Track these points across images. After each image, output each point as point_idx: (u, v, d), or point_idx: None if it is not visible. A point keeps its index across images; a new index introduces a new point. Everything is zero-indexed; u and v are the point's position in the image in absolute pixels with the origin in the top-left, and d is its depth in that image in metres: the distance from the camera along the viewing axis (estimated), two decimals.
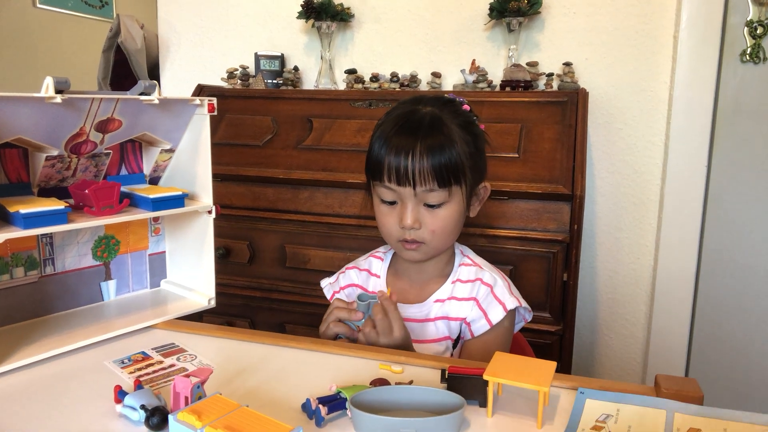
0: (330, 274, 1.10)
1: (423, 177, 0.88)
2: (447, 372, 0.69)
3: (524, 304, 0.97)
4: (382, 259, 1.05)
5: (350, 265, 1.08)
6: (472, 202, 0.98)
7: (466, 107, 0.98)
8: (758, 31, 1.61)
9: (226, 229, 1.56)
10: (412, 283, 1.01)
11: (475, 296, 0.96)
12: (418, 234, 0.92)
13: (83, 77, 3.20)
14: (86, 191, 0.82)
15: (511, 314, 0.97)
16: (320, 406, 0.63)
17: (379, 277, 1.03)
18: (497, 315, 0.94)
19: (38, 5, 3.35)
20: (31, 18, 3.33)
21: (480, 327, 0.95)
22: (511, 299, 0.95)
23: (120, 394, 0.65)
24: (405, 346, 0.87)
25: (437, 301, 0.97)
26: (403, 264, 1.01)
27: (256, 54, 1.93)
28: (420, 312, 0.97)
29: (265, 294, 1.56)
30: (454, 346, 0.97)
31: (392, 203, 0.93)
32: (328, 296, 1.07)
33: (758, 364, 1.73)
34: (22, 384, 0.73)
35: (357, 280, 1.05)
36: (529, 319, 1.01)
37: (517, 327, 1.01)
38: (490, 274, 0.98)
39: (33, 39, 3.34)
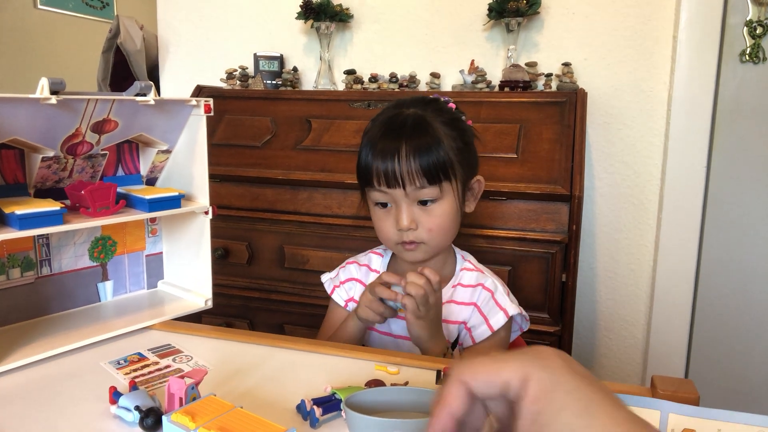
0: None
1: (411, 176, 0.89)
2: (442, 373, 0.69)
3: (523, 312, 0.97)
4: (382, 255, 1.06)
5: (350, 260, 1.09)
6: (467, 197, 0.98)
7: (452, 105, 0.98)
8: (758, 31, 1.61)
9: (225, 229, 1.56)
10: None
11: (476, 301, 0.96)
12: (416, 234, 0.92)
13: (84, 78, 3.20)
14: (82, 192, 0.82)
15: (509, 322, 0.97)
16: (315, 407, 0.63)
17: (378, 272, 1.03)
18: (499, 321, 0.94)
19: (39, 6, 3.36)
20: (31, 19, 3.34)
21: (481, 333, 0.95)
22: (512, 306, 0.96)
23: (115, 395, 0.65)
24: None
25: None
26: (402, 263, 1.01)
27: (255, 54, 1.93)
28: None
29: (264, 295, 1.56)
30: (453, 348, 0.97)
31: (386, 205, 0.94)
32: (329, 290, 1.07)
33: (759, 364, 1.72)
34: (17, 385, 0.73)
35: (357, 274, 1.06)
36: (525, 329, 1.00)
37: (514, 335, 1.01)
38: (492, 280, 0.99)
39: (34, 40, 3.35)
